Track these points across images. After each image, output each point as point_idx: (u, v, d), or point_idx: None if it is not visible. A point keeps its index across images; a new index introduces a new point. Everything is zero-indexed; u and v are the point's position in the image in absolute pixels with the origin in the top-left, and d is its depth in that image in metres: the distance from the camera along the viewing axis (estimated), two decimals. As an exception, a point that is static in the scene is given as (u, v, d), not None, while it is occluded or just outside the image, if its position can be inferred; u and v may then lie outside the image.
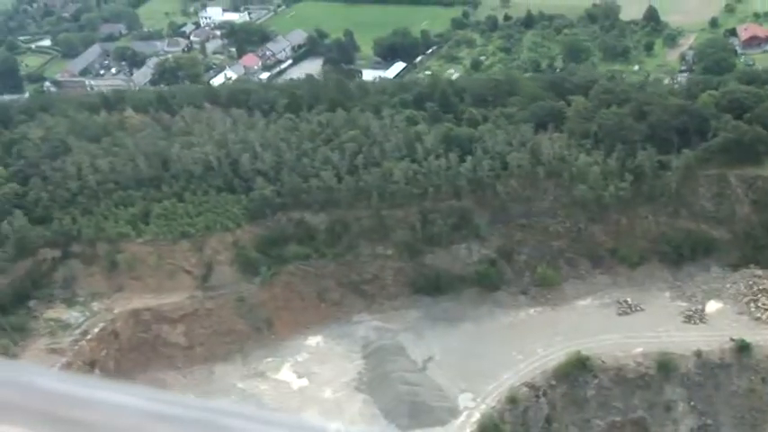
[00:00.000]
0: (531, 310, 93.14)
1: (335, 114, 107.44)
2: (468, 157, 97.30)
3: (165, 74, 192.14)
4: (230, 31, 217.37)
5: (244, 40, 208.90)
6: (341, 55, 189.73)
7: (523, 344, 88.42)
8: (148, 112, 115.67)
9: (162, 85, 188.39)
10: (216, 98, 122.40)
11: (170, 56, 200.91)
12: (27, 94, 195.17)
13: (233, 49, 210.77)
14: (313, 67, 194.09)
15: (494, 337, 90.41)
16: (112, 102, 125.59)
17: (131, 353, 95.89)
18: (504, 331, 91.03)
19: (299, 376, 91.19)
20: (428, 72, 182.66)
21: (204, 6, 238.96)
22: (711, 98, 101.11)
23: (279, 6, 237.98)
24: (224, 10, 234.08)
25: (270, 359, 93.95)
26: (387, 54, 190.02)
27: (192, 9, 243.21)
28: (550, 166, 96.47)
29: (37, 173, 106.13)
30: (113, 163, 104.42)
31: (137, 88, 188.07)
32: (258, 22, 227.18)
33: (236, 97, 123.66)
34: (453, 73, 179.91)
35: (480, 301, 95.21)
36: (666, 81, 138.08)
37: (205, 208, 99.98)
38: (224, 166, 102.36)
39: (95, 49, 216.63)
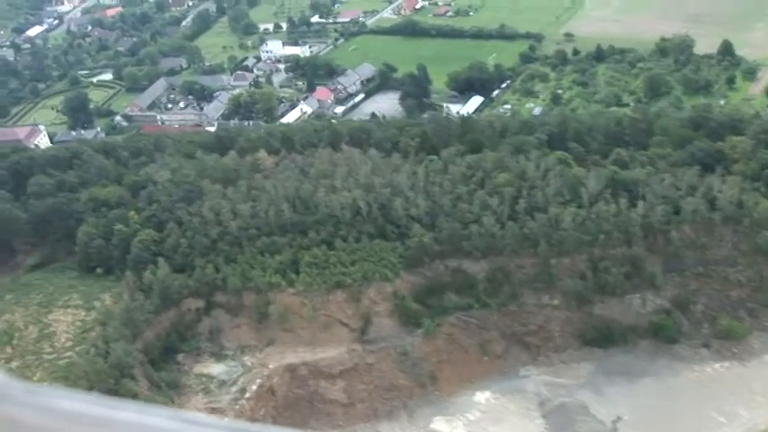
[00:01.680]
0: (717, 365, 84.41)
1: (484, 156, 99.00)
2: (640, 203, 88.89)
3: (240, 108, 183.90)
4: (295, 64, 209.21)
5: (311, 73, 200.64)
6: (415, 89, 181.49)
7: (721, 404, 79.63)
8: (279, 153, 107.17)
9: (236, 120, 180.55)
10: (337, 137, 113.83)
11: (243, 90, 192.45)
12: (98, 129, 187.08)
13: (299, 83, 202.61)
14: (386, 100, 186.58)
15: (683, 394, 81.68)
16: (225, 141, 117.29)
17: (287, 410, 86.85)
18: (692, 388, 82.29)
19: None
20: (507, 106, 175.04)
21: (264, 40, 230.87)
22: None
23: (337, 40, 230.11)
24: (284, 43, 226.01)
25: (438, 417, 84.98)
26: (462, 88, 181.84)
27: (249, 43, 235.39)
28: (727, 211, 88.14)
29: (172, 218, 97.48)
30: (254, 208, 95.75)
31: (215, 123, 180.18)
32: (320, 55, 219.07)
33: (356, 136, 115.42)
34: (533, 107, 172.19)
35: (657, 355, 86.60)
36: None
37: (359, 256, 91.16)
38: (374, 211, 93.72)
39: (161, 83, 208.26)
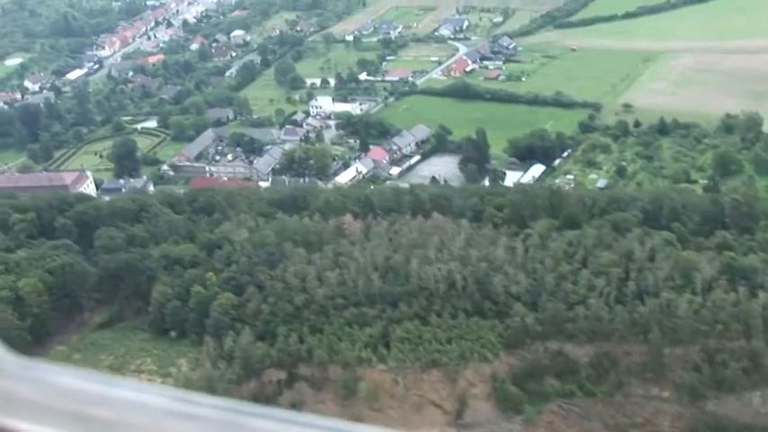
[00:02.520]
0: None
1: (584, 233, 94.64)
2: (761, 293, 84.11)
3: (293, 164, 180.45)
4: (347, 121, 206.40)
5: (365, 132, 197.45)
6: (474, 153, 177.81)
7: None
8: (360, 217, 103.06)
9: (288, 176, 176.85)
10: (420, 203, 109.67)
11: (295, 145, 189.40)
12: (145, 178, 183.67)
13: (351, 141, 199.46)
14: (443, 163, 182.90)
15: (810, 505, 75.89)
16: (299, 200, 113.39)
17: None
18: (821, 499, 76.51)
19: None
20: (569, 176, 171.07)
21: (312, 95, 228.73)
22: None
23: (386, 98, 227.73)
24: (333, 99, 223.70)
25: None
26: (522, 155, 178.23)
27: (297, 97, 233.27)
28: None
29: (252, 282, 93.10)
30: (342, 275, 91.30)
31: (267, 177, 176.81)
32: (371, 113, 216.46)
33: (436, 202, 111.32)
34: (597, 179, 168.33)
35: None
36: None
37: (456, 333, 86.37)
38: (470, 285, 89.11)
39: (209, 134, 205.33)
